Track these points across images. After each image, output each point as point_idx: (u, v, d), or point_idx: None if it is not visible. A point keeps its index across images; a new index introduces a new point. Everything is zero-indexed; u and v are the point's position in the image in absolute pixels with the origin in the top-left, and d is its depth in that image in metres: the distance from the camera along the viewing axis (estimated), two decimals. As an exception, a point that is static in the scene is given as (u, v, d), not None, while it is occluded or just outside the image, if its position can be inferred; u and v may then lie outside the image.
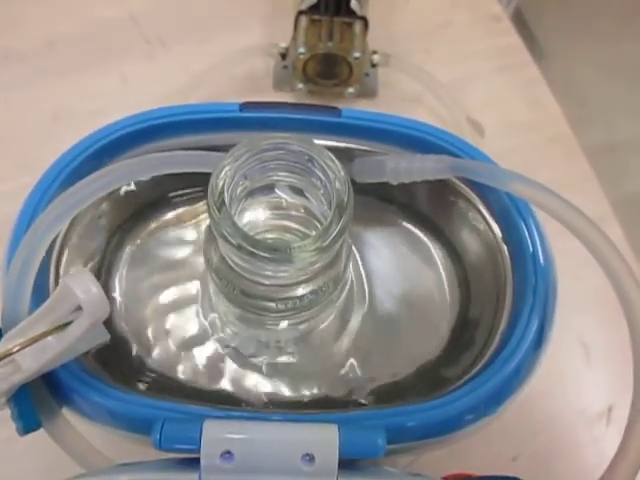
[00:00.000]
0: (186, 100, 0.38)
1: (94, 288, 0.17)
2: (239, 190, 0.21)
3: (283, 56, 0.40)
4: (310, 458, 0.19)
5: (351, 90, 0.40)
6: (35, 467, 0.30)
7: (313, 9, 0.39)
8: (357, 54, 0.38)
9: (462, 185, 0.27)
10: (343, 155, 0.26)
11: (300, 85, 0.40)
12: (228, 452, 0.19)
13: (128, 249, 0.28)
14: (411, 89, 0.41)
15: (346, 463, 0.19)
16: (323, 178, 0.21)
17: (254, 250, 0.19)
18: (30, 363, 0.19)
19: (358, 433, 0.20)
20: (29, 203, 0.24)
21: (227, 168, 0.20)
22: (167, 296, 0.27)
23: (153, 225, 0.29)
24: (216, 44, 0.42)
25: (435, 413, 0.22)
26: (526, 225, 0.25)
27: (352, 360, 0.27)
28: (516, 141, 0.40)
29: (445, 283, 0.28)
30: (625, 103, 0.94)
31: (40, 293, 0.23)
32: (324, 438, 0.19)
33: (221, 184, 0.20)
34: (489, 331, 0.25)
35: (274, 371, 0.26)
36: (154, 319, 0.27)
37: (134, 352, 0.26)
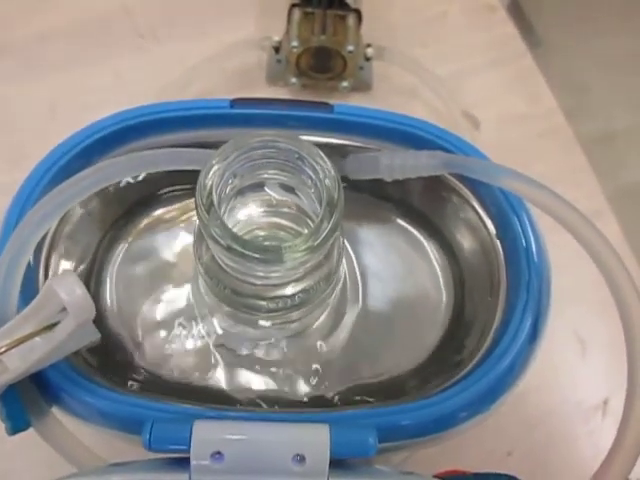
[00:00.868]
0: (179, 94, 0.38)
1: (78, 290, 0.17)
2: (228, 189, 0.21)
3: (276, 50, 0.40)
4: (301, 458, 0.19)
5: (345, 84, 0.40)
6: (28, 464, 0.30)
7: (306, 2, 0.38)
8: (351, 47, 0.37)
9: (456, 181, 0.27)
10: (336, 151, 0.26)
11: (294, 79, 0.40)
12: (218, 452, 0.19)
13: (119, 247, 0.28)
14: (406, 82, 0.41)
15: (337, 462, 0.19)
16: (313, 176, 0.21)
17: (244, 251, 0.19)
18: (17, 364, 0.19)
19: (349, 433, 0.19)
20: (17, 200, 0.24)
21: (215, 167, 0.20)
22: (159, 294, 0.27)
23: (144, 222, 0.29)
24: (209, 38, 0.42)
25: (428, 411, 0.22)
26: (519, 221, 0.25)
27: (345, 358, 0.26)
28: (512, 134, 0.40)
29: (440, 279, 0.28)
30: (623, 94, 0.93)
31: (29, 291, 0.23)
32: (315, 438, 0.19)
33: (209, 184, 0.20)
34: (483, 328, 0.25)
35: (266, 369, 0.26)
36: (146, 317, 0.27)
37: (125, 350, 0.26)
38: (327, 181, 0.20)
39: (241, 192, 0.22)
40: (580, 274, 0.31)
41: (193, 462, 0.19)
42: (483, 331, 0.25)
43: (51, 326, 0.19)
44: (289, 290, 0.22)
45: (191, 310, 0.27)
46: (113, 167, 0.23)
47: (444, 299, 0.28)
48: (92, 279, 0.27)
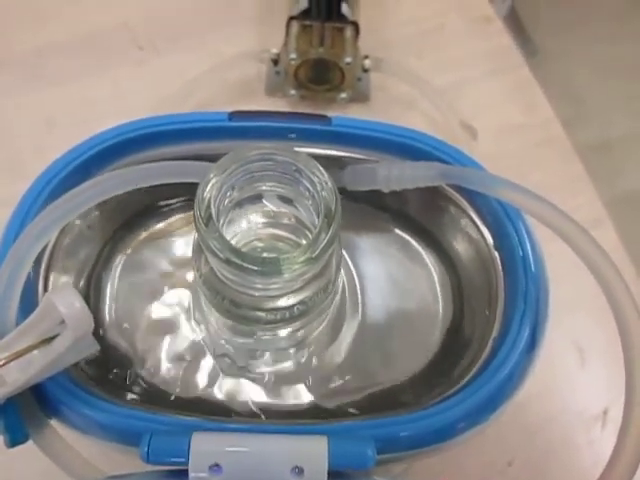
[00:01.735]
0: (179, 107, 0.38)
1: (77, 303, 0.17)
2: (227, 201, 0.21)
3: (275, 62, 0.40)
4: (299, 470, 0.19)
5: (343, 95, 0.40)
6: (27, 476, 0.30)
7: (304, 15, 0.39)
8: (348, 59, 0.38)
9: (453, 192, 0.27)
10: (334, 163, 0.26)
11: (292, 91, 0.40)
12: (217, 465, 0.19)
13: (119, 259, 0.28)
14: (404, 93, 0.41)
15: (336, 474, 0.19)
16: (310, 188, 0.21)
17: (242, 263, 0.19)
18: (15, 377, 0.19)
19: (347, 444, 0.19)
20: (17, 213, 0.24)
21: (214, 180, 0.20)
22: (158, 306, 0.27)
23: (144, 234, 0.29)
24: (209, 51, 0.42)
25: (426, 422, 0.22)
26: (516, 231, 0.25)
27: (344, 369, 0.26)
28: (509, 144, 0.40)
29: (438, 289, 0.28)
30: (620, 103, 0.94)
31: (29, 304, 0.23)
32: (313, 450, 0.19)
33: (208, 197, 0.20)
34: (481, 338, 0.25)
35: (265, 381, 0.26)
36: (145, 329, 0.27)
37: (124, 362, 0.26)
38: (324, 193, 0.20)
39: (239, 204, 0.22)
40: (579, 284, 0.31)
41: (191, 474, 0.19)
42: (481, 341, 0.25)
43: (50, 339, 0.19)
44: (288, 301, 0.22)
45: (190, 322, 0.27)
46: (111, 180, 0.23)
47: (442, 309, 0.28)
48: (91, 291, 0.27)
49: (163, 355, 0.26)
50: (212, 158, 0.22)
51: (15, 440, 0.20)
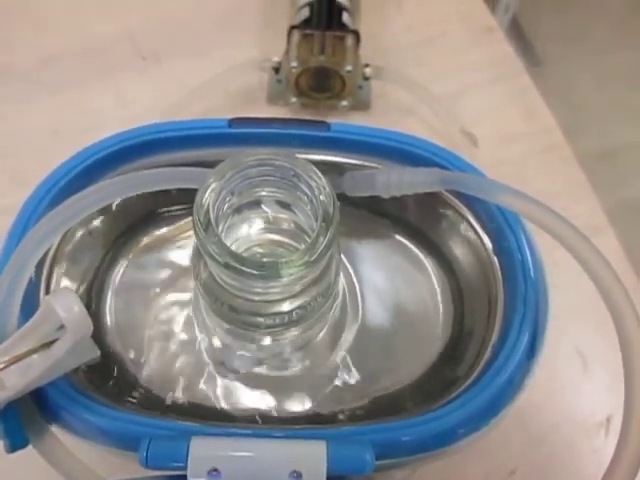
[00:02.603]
0: (182, 115, 0.39)
1: (76, 307, 0.17)
2: (226, 207, 0.21)
3: (276, 70, 0.40)
4: (298, 475, 0.19)
5: (344, 103, 0.40)
6: (30, 479, 0.30)
7: (305, 23, 0.39)
8: (349, 67, 0.38)
9: (452, 197, 0.27)
10: (333, 169, 0.26)
11: (294, 99, 0.40)
12: (215, 470, 0.19)
13: (120, 265, 0.28)
14: (404, 101, 0.41)
15: (335, 479, 0.19)
16: (308, 192, 0.21)
17: (241, 267, 0.19)
18: (15, 381, 0.19)
19: (346, 449, 0.19)
20: (19, 220, 0.24)
21: (212, 186, 0.20)
22: (158, 312, 0.27)
23: (145, 240, 0.29)
24: (211, 59, 0.42)
25: (426, 427, 0.22)
26: (515, 236, 0.25)
27: (344, 374, 0.26)
28: (510, 151, 0.40)
29: (438, 295, 0.28)
30: (620, 111, 0.94)
31: (31, 309, 0.23)
32: (312, 455, 0.19)
33: (206, 203, 0.20)
34: (481, 343, 0.25)
35: (264, 386, 0.26)
36: (145, 335, 0.27)
37: (124, 368, 0.26)
38: (322, 197, 0.20)
39: (238, 210, 0.23)
40: (581, 291, 0.31)
41: (190, 479, 0.19)
42: (481, 346, 0.25)
43: (49, 343, 0.19)
44: (287, 306, 0.22)
45: (190, 327, 0.27)
46: (112, 187, 0.23)
47: (442, 314, 0.28)
48: (93, 297, 0.27)
49: (163, 361, 0.26)
50: (213, 164, 0.22)
51: (15, 445, 0.20)
